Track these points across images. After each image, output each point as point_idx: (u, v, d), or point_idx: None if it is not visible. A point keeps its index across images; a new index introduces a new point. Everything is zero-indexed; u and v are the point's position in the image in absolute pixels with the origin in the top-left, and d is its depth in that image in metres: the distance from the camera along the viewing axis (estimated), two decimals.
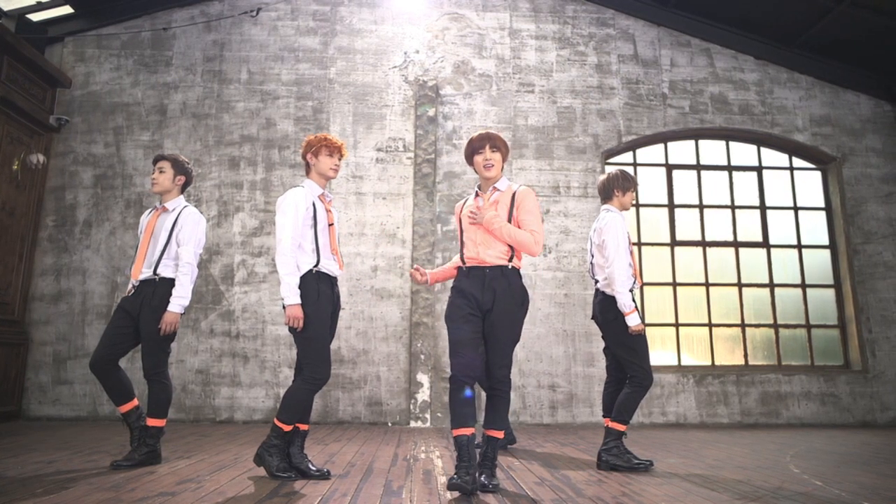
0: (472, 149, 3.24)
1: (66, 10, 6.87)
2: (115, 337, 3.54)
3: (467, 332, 2.98)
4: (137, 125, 6.86)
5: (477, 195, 3.29)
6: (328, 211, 3.41)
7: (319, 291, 3.23)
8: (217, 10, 7.19)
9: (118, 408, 3.57)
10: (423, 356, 6.28)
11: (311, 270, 3.25)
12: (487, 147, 3.21)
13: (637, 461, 3.58)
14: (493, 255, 3.08)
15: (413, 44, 7.25)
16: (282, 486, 2.96)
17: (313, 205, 3.32)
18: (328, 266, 3.31)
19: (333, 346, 6.32)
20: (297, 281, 3.18)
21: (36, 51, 6.41)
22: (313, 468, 3.20)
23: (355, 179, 6.83)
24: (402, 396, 6.32)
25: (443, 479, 3.22)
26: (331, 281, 3.33)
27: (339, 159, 3.46)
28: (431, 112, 6.93)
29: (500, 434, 3.05)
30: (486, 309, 3.04)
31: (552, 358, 6.51)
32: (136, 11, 7.08)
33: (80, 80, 6.93)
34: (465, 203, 3.34)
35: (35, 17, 6.73)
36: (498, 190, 3.23)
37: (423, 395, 6.19)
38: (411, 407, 6.18)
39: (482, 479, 2.94)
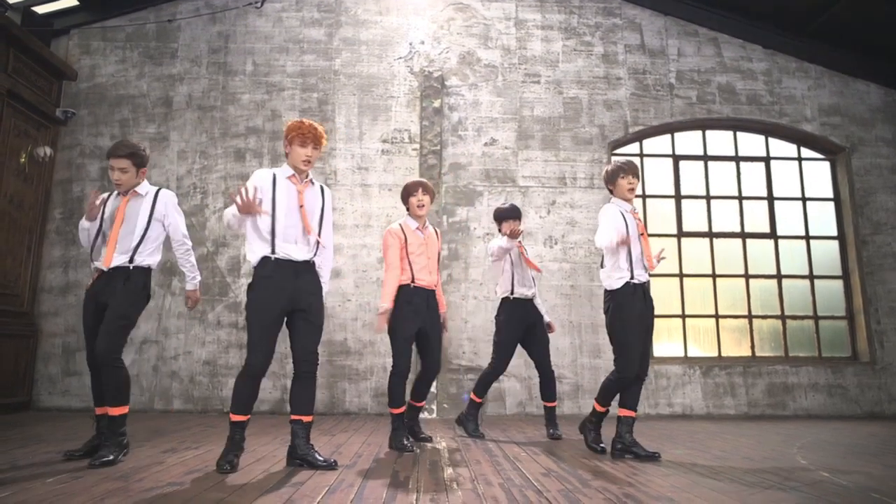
0: (408, 192, 4.09)
1: (72, 2, 6.87)
2: (97, 332, 3.34)
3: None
4: (143, 117, 6.87)
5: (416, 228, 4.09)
6: (300, 192, 3.24)
7: (268, 278, 3.11)
8: (221, 1, 7.16)
9: (96, 408, 3.44)
10: None
11: (267, 257, 3.15)
12: (420, 190, 4.04)
13: (643, 452, 3.59)
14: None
15: (418, 35, 7.21)
16: (289, 475, 2.98)
17: (273, 184, 3.17)
18: (287, 250, 3.17)
19: (340, 337, 6.35)
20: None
21: (41, 43, 6.42)
22: (320, 459, 3.21)
23: (361, 171, 6.82)
24: (408, 388, 6.31)
25: (450, 471, 3.23)
26: (294, 267, 3.18)
27: (315, 149, 3.24)
28: (437, 103, 6.90)
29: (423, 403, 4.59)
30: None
31: (558, 349, 6.50)
32: (141, 3, 7.07)
33: (86, 72, 6.94)
34: (403, 231, 4.04)
35: (40, 9, 6.73)
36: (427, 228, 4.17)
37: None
38: None
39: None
